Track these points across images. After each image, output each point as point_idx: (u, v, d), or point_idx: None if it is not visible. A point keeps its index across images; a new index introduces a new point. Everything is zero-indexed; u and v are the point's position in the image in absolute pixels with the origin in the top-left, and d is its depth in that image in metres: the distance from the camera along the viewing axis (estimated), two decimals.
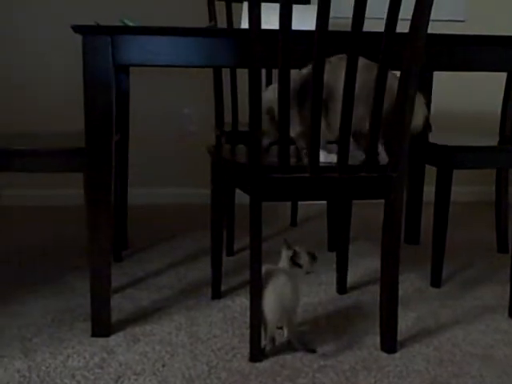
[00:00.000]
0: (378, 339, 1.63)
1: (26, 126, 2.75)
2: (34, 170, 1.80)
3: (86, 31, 1.54)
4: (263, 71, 2.45)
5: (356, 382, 1.45)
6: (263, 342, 1.55)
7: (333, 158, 1.58)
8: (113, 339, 1.64)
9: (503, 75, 2.36)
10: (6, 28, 3.06)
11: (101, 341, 1.63)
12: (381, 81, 1.49)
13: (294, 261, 1.58)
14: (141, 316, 1.80)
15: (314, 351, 1.58)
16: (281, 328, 1.61)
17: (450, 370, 1.52)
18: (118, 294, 1.96)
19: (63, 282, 2.06)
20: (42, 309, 1.83)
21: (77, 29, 1.54)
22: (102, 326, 1.66)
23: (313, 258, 1.61)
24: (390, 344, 1.60)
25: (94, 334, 1.65)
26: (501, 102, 2.34)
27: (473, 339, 1.69)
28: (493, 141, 2.25)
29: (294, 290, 1.54)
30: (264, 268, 1.54)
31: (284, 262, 1.59)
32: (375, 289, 1.80)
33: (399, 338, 1.63)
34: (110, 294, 1.66)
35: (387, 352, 1.59)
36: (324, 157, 1.58)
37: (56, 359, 1.53)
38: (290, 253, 1.58)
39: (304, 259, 1.59)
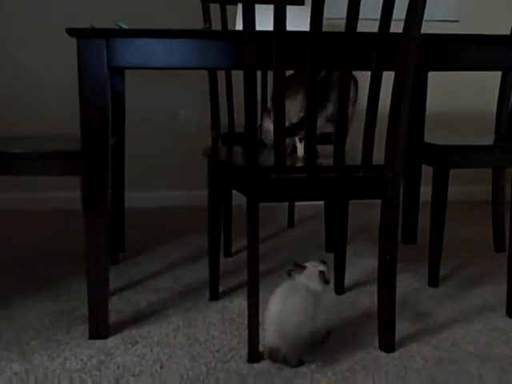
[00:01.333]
0: (376, 339, 1.63)
1: (21, 128, 2.75)
2: (29, 173, 1.81)
3: (81, 34, 1.54)
4: (258, 73, 2.45)
5: (355, 382, 1.45)
6: (261, 348, 1.53)
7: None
8: (110, 341, 1.64)
9: (497, 74, 2.36)
10: (3, 31, 3.06)
11: (98, 343, 1.63)
12: (376, 80, 1.49)
13: (324, 278, 1.52)
14: (138, 318, 1.80)
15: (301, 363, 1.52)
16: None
17: (448, 368, 1.52)
18: (115, 296, 1.96)
19: (60, 286, 2.05)
20: (39, 312, 1.83)
21: (71, 32, 1.53)
22: (100, 329, 1.65)
23: (324, 264, 1.56)
24: (388, 343, 1.60)
25: (92, 337, 1.65)
26: (494, 100, 2.34)
27: (471, 338, 1.69)
28: (488, 140, 2.25)
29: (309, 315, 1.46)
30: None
31: (313, 281, 1.52)
32: (373, 289, 1.80)
33: (397, 337, 1.63)
34: (107, 296, 1.65)
35: (386, 351, 1.59)
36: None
37: (54, 362, 1.52)
38: (317, 270, 1.52)
39: (328, 272, 1.54)
